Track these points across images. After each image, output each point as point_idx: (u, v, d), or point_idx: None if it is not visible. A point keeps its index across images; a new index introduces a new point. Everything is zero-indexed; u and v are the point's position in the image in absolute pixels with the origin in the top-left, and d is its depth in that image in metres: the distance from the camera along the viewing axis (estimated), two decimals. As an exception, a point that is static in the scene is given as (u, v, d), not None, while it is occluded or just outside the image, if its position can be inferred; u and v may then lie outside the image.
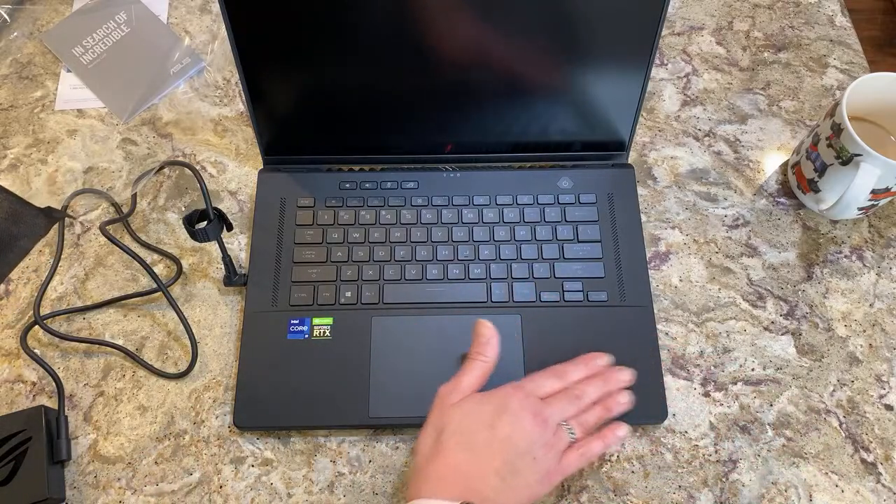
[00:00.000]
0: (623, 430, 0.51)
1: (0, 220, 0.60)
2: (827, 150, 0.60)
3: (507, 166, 0.67)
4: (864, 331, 0.61)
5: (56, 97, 0.72)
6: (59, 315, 0.60)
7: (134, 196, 0.66)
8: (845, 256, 0.64)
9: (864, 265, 0.64)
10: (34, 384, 0.58)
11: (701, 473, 0.55)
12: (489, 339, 0.52)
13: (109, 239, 0.59)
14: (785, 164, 0.68)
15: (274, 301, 0.60)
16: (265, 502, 0.54)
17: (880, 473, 0.55)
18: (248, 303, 0.60)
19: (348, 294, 0.60)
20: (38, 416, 0.53)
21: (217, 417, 0.57)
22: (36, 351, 0.59)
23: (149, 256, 0.63)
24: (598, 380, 0.52)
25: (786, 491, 0.55)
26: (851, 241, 0.65)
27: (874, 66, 0.69)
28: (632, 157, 0.69)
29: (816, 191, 0.63)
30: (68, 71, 0.73)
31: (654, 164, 0.69)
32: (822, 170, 0.61)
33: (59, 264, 0.63)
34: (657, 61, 0.74)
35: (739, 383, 0.59)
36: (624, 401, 0.52)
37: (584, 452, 0.49)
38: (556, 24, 0.56)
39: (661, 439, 0.56)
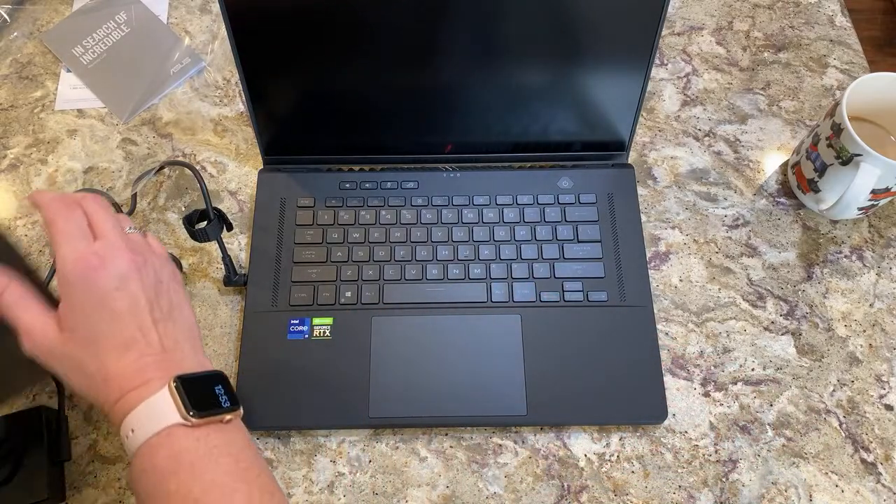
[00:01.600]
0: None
1: None
2: (827, 150, 0.60)
3: (507, 166, 0.67)
4: (864, 331, 0.61)
5: (56, 97, 0.72)
6: (59, 315, 0.60)
7: (134, 196, 0.66)
8: (845, 256, 0.64)
9: (864, 265, 0.64)
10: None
11: (701, 473, 0.55)
12: None
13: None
14: (785, 164, 0.68)
15: (274, 301, 0.60)
16: (265, 502, 0.54)
17: (880, 473, 0.55)
18: (248, 303, 0.60)
19: (348, 294, 0.60)
20: (38, 417, 0.53)
21: (217, 417, 0.57)
22: (36, 351, 0.59)
23: (149, 256, 0.63)
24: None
25: (786, 491, 0.55)
26: (851, 241, 0.65)
27: (874, 66, 0.69)
28: (632, 157, 0.69)
29: (816, 191, 0.63)
30: (68, 71, 0.73)
31: (654, 164, 0.69)
32: (822, 170, 0.61)
33: (59, 264, 0.63)
34: (657, 61, 0.74)
35: (739, 383, 0.59)
36: None
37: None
38: (556, 24, 0.56)
39: (661, 439, 0.56)
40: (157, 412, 0.39)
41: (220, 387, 0.42)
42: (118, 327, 0.41)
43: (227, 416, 0.41)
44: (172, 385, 0.39)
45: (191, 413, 0.39)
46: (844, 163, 0.59)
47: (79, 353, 0.41)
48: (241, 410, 0.42)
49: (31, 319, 0.41)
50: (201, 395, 0.40)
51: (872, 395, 0.58)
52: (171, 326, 0.42)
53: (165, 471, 0.38)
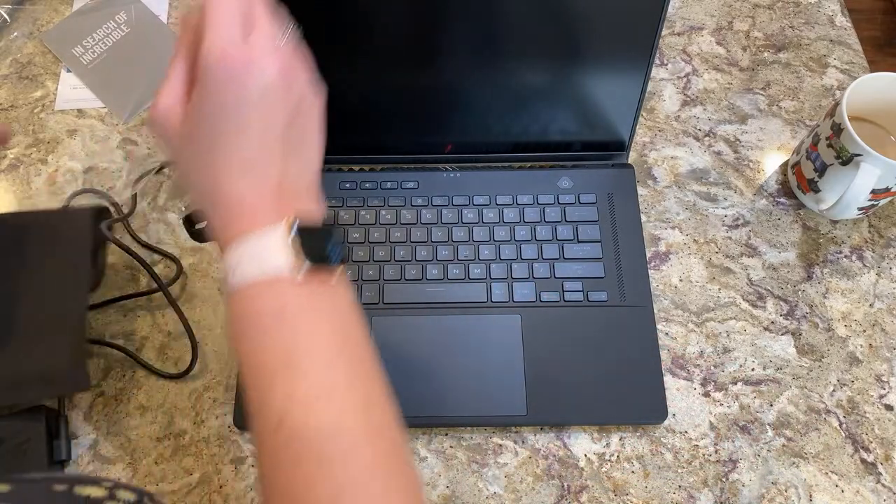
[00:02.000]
0: None
1: None
2: (827, 150, 0.60)
3: (507, 166, 0.67)
4: (864, 331, 0.61)
5: (56, 97, 0.72)
6: (59, 315, 0.60)
7: (134, 196, 0.66)
8: (845, 256, 0.64)
9: (864, 265, 0.64)
10: (34, 384, 0.58)
11: (701, 473, 0.55)
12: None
13: (110, 239, 0.59)
14: (785, 164, 0.68)
15: (274, 301, 0.60)
16: (265, 502, 0.54)
17: (880, 473, 0.55)
18: (248, 303, 0.60)
19: (348, 294, 0.60)
20: (38, 417, 0.53)
21: (217, 417, 0.57)
22: (36, 351, 0.59)
23: (149, 256, 0.63)
24: None
25: (786, 491, 0.55)
26: (851, 241, 0.65)
27: (874, 66, 0.69)
28: (632, 157, 0.69)
29: (816, 191, 0.63)
30: (68, 71, 0.73)
31: (654, 164, 0.69)
32: (822, 170, 0.61)
33: (59, 264, 0.63)
34: (657, 61, 0.74)
35: (739, 383, 0.59)
36: None
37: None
38: (556, 23, 0.56)
39: (661, 439, 0.56)
40: (266, 252, 0.35)
41: (331, 242, 0.37)
42: (242, 143, 0.35)
43: (336, 275, 0.37)
44: (287, 225, 0.35)
45: (303, 263, 0.35)
46: (844, 163, 0.59)
47: (194, 154, 0.36)
48: (347, 270, 0.38)
49: (170, 89, 0.36)
50: (314, 245, 0.36)
51: (872, 395, 0.58)
52: (297, 163, 0.38)
53: (265, 324, 0.35)
